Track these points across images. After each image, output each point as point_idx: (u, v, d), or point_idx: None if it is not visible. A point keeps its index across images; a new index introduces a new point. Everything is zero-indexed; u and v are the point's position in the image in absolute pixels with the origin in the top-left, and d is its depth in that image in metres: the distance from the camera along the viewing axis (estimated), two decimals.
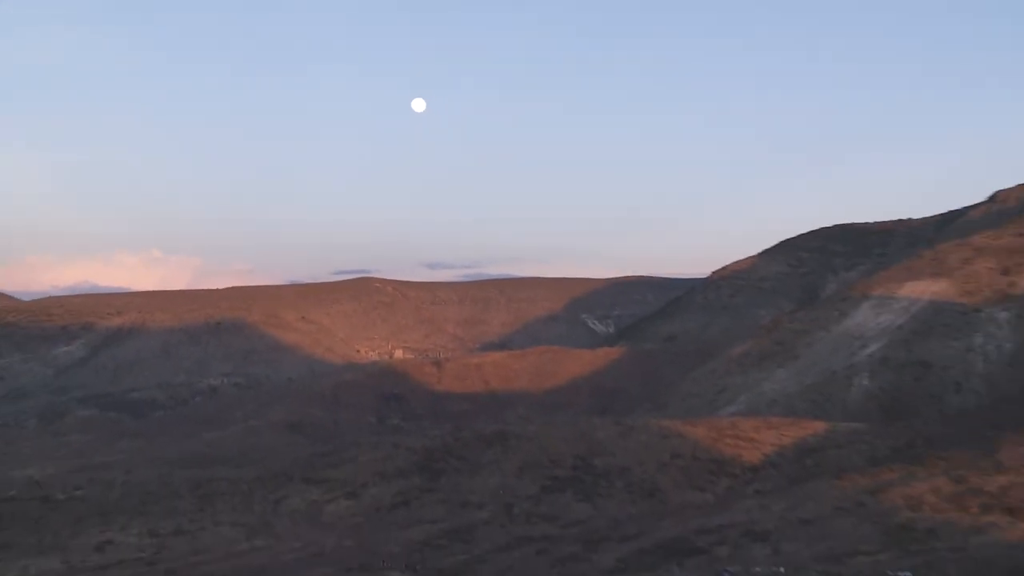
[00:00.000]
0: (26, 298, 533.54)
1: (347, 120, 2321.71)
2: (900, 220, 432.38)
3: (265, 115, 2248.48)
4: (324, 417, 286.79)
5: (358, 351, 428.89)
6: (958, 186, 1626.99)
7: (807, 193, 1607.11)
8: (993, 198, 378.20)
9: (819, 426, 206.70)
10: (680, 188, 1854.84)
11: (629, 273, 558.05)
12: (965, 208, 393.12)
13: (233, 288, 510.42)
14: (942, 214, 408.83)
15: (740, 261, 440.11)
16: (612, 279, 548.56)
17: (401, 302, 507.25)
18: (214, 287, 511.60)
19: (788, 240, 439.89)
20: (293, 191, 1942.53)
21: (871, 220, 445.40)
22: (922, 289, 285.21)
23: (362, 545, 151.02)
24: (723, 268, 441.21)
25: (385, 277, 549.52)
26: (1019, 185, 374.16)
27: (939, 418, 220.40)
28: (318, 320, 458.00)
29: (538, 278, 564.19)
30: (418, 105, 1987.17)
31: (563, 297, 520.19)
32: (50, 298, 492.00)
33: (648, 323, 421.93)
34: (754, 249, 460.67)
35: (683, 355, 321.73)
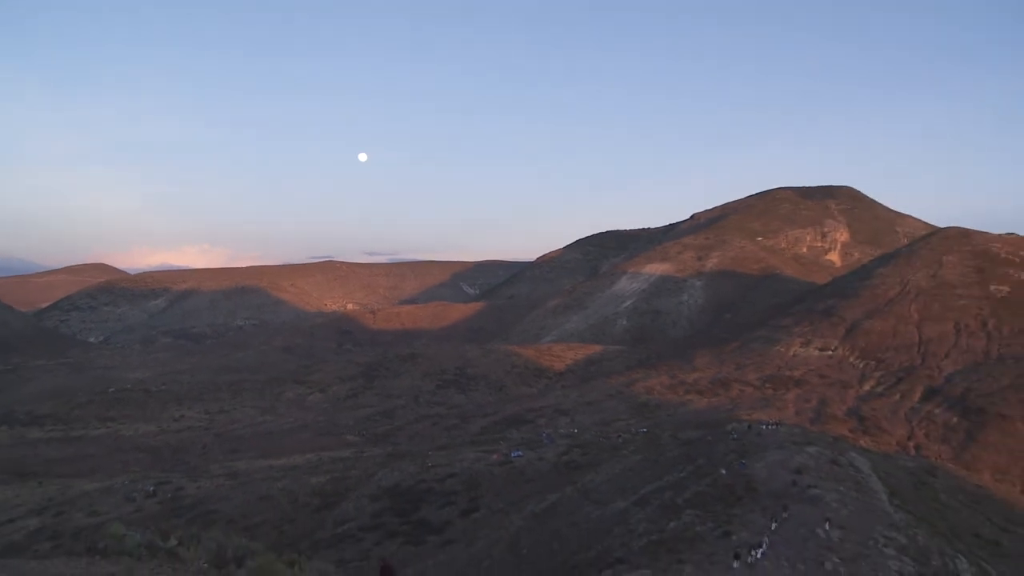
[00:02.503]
0: (132, 272, 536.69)
1: (323, 164, 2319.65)
2: (644, 228, 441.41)
3: (272, 161, 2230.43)
4: (305, 344, 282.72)
5: (325, 305, 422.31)
6: (675, 208, 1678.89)
7: (591, 209, 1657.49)
8: (693, 216, 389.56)
9: (598, 348, 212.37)
10: (516, 203, 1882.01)
11: (489, 258, 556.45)
12: (679, 222, 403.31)
13: (250, 267, 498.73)
14: (666, 225, 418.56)
15: (553, 251, 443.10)
16: (478, 261, 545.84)
17: (351, 275, 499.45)
18: (239, 266, 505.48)
19: (581, 239, 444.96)
20: (286, 207, 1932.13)
21: (627, 228, 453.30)
22: (655, 268, 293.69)
23: (329, 420, 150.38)
24: (543, 255, 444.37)
25: (342, 260, 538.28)
26: (706, 210, 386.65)
27: (664, 342, 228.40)
28: (301, 286, 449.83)
29: (434, 260, 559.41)
30: (363, 157, 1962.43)
31: (448, 272, 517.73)
32: (145, 272, 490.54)
33: (499, 288, 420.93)
34: (561, 244, 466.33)
35: (519, 307, 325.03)
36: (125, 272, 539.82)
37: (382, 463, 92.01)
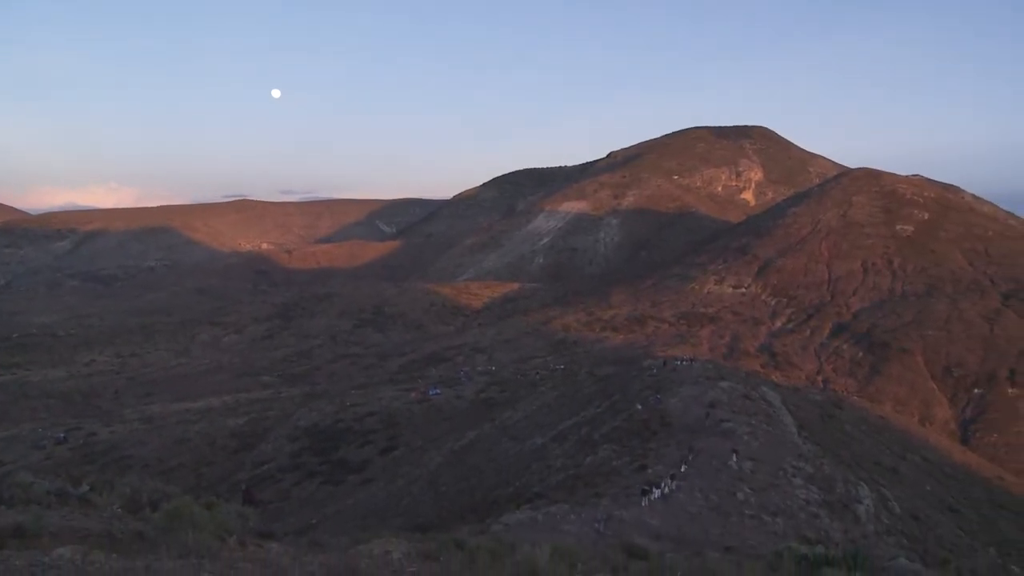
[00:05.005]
0: (34, 213, 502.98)
1: (235, 102, 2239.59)
2: (560, 166, 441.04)
3: (183, 98, 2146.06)
4: (220, 285, 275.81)
5: (240, 244, 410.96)
6: (592, 146, 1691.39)
7: (508, 146, 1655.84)
8: (610, 155, 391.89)
9: (514, 286, 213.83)
10: (432, 141, 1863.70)
11: (405, 196, 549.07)
12: (596, 160, 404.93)
13: (162, 206, 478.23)
14: (584, 163, 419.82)
15: (470, 189, 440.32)
16: (394, 199, 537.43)
17: (266, 214, 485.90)
18: (149, 206, 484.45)
19: (498, 177, 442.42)
20: (199, 145, 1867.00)
21: (544, 166, 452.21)
22: (572, 206, 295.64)
23: (245, 361, 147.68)
24: (460, 193, 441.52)
25: (256, 199, 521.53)
26: (624, 148, 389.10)
27: (580, 279, 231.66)
28: (215, 225, 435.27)
29: (350, 199, 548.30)
30: (276, 93, 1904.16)
31: (365, 210, 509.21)
32: (49, 213, 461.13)
33: (416, 226, 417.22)
34: (478, 182, 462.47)
35: (437, 245, 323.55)
36: (26, 212, 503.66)
37: (300, 403, 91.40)
